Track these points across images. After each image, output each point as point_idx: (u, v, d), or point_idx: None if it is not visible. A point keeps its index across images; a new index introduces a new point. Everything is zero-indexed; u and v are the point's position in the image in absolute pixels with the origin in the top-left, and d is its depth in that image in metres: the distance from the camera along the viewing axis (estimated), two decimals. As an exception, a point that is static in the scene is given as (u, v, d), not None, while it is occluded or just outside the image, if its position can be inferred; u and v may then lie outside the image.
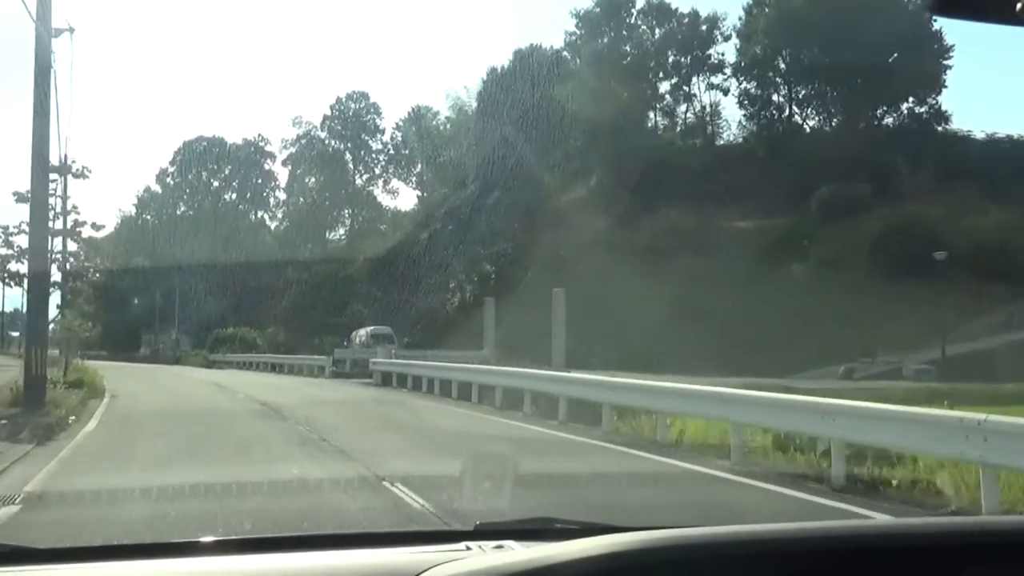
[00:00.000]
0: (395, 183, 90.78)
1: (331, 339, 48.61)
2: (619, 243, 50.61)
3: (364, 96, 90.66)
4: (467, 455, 8.26)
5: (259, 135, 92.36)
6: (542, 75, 61.58)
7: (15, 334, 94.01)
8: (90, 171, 26.60)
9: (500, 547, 2.38)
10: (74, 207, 28.73)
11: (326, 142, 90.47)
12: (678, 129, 62.08)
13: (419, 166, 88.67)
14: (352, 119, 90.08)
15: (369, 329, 44.85)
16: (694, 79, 60.94)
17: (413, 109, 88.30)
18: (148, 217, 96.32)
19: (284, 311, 67.39)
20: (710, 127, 60.41)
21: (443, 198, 71.20)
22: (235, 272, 76.54)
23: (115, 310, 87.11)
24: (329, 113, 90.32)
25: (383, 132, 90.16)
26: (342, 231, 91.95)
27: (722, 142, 60.75)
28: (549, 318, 39.10)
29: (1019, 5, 1.61)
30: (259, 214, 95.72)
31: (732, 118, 61.07)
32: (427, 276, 58.28)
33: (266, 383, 29.98)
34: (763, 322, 42.71)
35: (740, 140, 58.60)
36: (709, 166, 56.13)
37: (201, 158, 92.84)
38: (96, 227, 31.25)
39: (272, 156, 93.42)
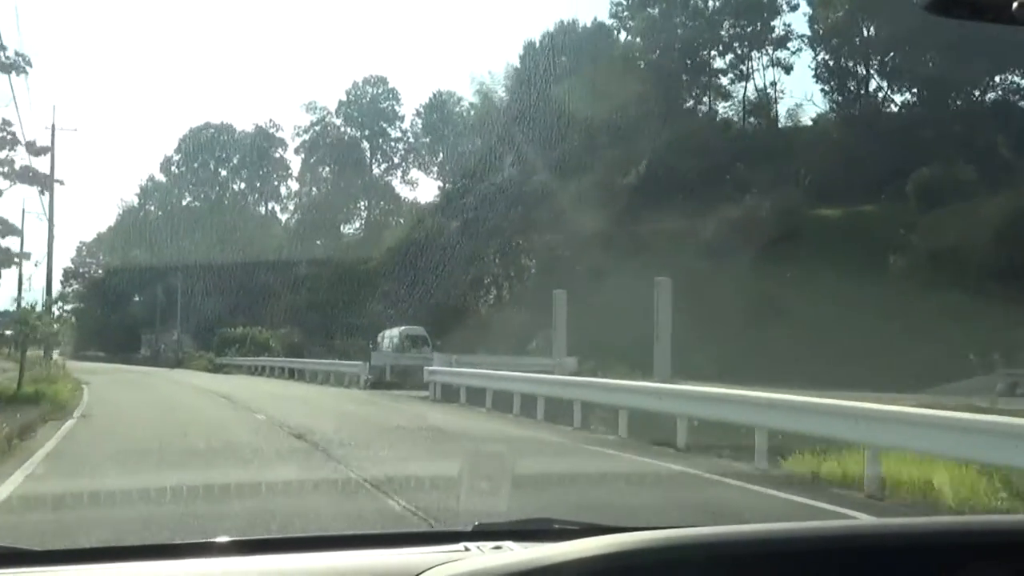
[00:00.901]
0: (414, 173, 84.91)
1: (355, 341, 42.62)
2: (678, 235, 44.53)
3: (382, 81, 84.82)
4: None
5: (271, 121, 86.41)
6: (585, 50, 55.65)
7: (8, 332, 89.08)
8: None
9: (499, 548, 2.35)
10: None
11: (341, 129, 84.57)
12: (736, 108, 55.93)
13: (440, 155, 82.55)
14: (369, 105, 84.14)
15: (400, 330, 38.87)
16: (755, 53, 54.80)
17: (434, 95, 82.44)
18: (151, 208, 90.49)
19: (297, 310, 61.35)
20: (774, 106, 54.23)
21: (469, 186, 65.18)
22: (243, 267, 70.78)
23: (114, 308, 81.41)
24: (345, 99, 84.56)
25: (402, 119, 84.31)
26: (358, 224, 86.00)
27: (788, 123, 54.60)
28: (610, 316, 33.28)
29: (1015, 5, 1.59)
30: (269, 206, 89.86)
31: (795, 96, 54.74)
32: (457, 271, 52.32)
33: (290, 396, 23.88)
34: (858, 324, 36.55)
35: (810, 121, 52.45)
36: (775, 149, 49.97)
37: (208, 146, 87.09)
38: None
39: (283, 144, 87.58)
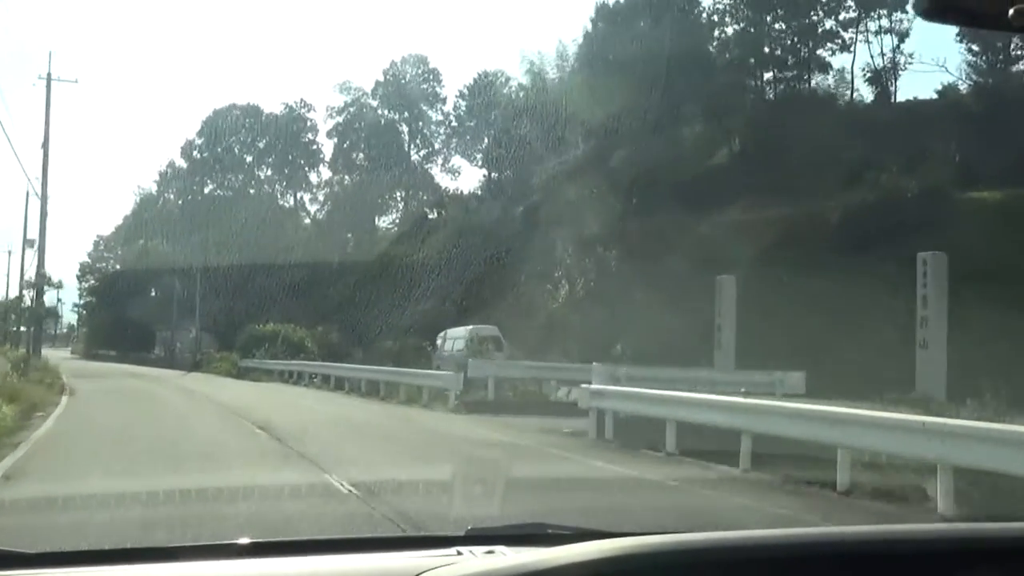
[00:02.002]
0: (456, 160, 77.69)
1: (407, 341, 35.47)
2: (791, 222, 37.12)
3: (422, 60, 77.76)
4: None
5: (301, 100, 79.39)
6: (665, 13, 48.33)
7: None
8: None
9: (491, 552, 2.33)
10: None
11: (378, 112, 77.48)
12: (846, 79, 48.51)
13: (486, 140, 75.33)
14: (408, 86, 77.03)
15: (468, 329, 31.72)
16: (864, 18, 47.30)
17: (480, 75, 75.18)
18: (170, 196, 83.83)
19: (331, 308, 54.27)
20: (890, 78, 46.68)
21: (524, 172, 57.89)
22: (269, 261, 64.02)
23: (127, 303, 74.75)
24: (382, 79, 77.46)
25: (444, 101, 77.07)
26: (394, 215, 78.93)
27: (907, 97, 47.07)
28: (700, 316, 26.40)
29: (1011, 11, 1.59)
30: (298, 195, 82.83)
31: (915, 64, 47.09)
32: (518, 265, 45.19)
33: (363, 426, 16.46)
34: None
35: (934, 94, 44.81)
36: (895, 124, 42.45)
37: (233, 129, 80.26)
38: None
39: (315, 129, 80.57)
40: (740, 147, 45.67)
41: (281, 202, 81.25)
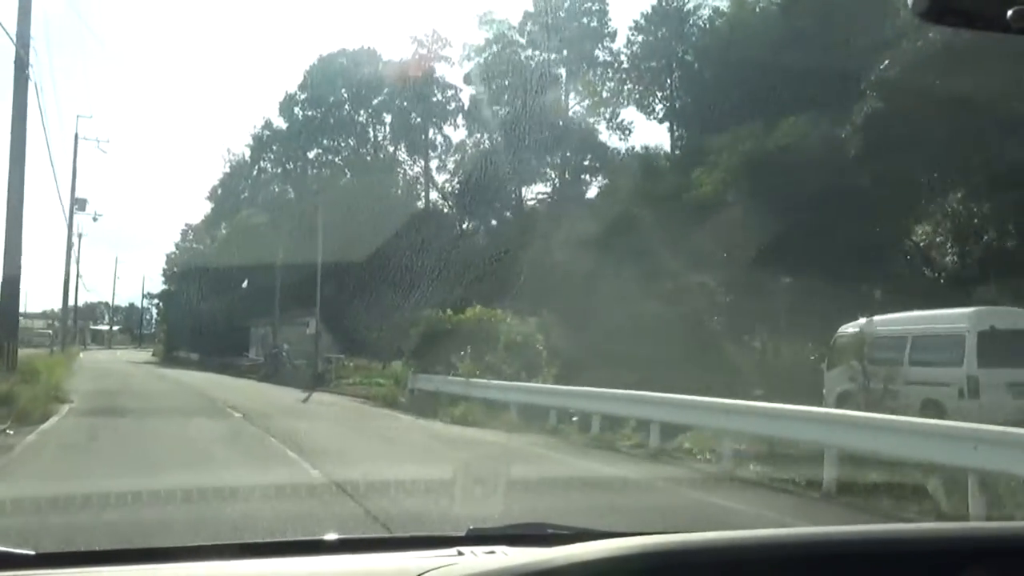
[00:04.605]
0: (627, 113, 60.51)
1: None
2: None
3: (585, -17, 60.63)
4: None
5: (433, 33, 62.89)
6: None
7: None
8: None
9: (492, 552, 2.31)
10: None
11: (526, 51, 60.74)
12: None
13: (669, 85, 57.86)
14: (567, 18, 60.09)
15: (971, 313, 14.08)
16: None
17: (660, 1, 57.68)
18: (266, 164, 68.26)
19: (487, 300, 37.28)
20: None
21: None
22: (393, 242, 48.14)
23: (213, 295, 59.25)
24: (532, 9, 60.76)
25: (613, 36, 59.84)
26: (544, 187, 62.05)
27: None
28: None
29: (1009, 13, 1.60)
30: (419, 161, 66.37)
31: None
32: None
33: None
34: None
35: None
36: None
37: (344, 79, 64.32)
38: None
39: (443, 84, 63.94)
40: None
41: (403, 169, 64.97)
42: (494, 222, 59.94)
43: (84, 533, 6.15)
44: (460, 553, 2.30)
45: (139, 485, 8.95)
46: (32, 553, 2.30)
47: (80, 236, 70.06)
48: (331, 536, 2.71)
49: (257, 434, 15.88)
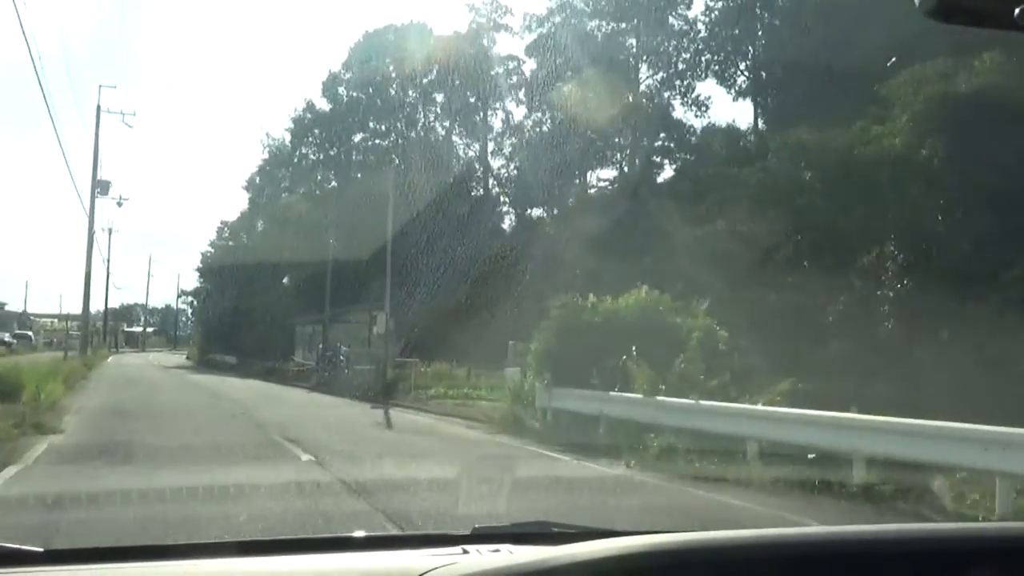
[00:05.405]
0: (705, 87, 54.84)
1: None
2: None
3: (655, -52, 54.89)
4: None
5: (493, 1, 57.54)
6: None
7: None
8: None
9: (496, 551, 2.30)
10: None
11: (592, 20, 55.27)
12: None
13: (751, 54, 52.31)
14: (636, -18, 54.50)
15: None
16: None
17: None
18: (307, 151, 63.22)
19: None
20: None
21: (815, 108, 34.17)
22: (452, 234, 43.20)
23: (251, 292, 54.34)
24: (599, -26, 55.31)
25: (689, 3, 54.20)
26: (610, 172, 56.65)
27: None
28: None
29: (1017, 11, 1.58)
30: (474, 146, 61.09)
31: None
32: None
33: None
34: None
35: None
36: None
37: (392, 57, 59.19)
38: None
39: (499, 60, 58.55)
40: None
41: (457, 153, 59.70)
42: (570, 201, 54.49)
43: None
44: (465, 551, 2.26)
45: None
46: (40, 550, 2.26)
47: (110, 231, 65.49)
48: (338, 534, 2.65)
49: (354, 507, 8.85)
